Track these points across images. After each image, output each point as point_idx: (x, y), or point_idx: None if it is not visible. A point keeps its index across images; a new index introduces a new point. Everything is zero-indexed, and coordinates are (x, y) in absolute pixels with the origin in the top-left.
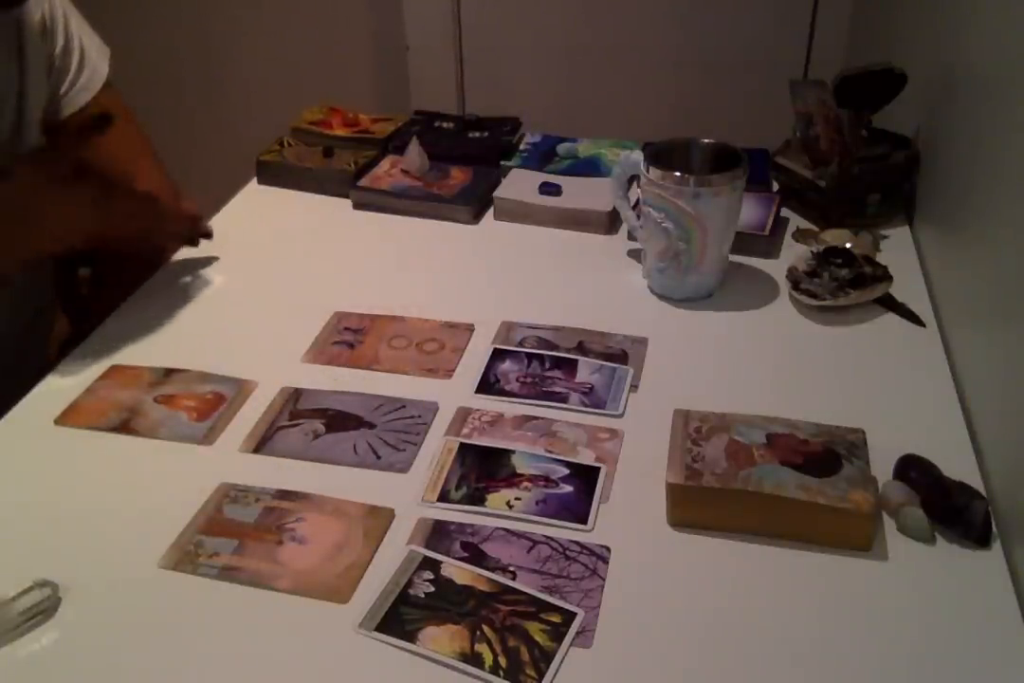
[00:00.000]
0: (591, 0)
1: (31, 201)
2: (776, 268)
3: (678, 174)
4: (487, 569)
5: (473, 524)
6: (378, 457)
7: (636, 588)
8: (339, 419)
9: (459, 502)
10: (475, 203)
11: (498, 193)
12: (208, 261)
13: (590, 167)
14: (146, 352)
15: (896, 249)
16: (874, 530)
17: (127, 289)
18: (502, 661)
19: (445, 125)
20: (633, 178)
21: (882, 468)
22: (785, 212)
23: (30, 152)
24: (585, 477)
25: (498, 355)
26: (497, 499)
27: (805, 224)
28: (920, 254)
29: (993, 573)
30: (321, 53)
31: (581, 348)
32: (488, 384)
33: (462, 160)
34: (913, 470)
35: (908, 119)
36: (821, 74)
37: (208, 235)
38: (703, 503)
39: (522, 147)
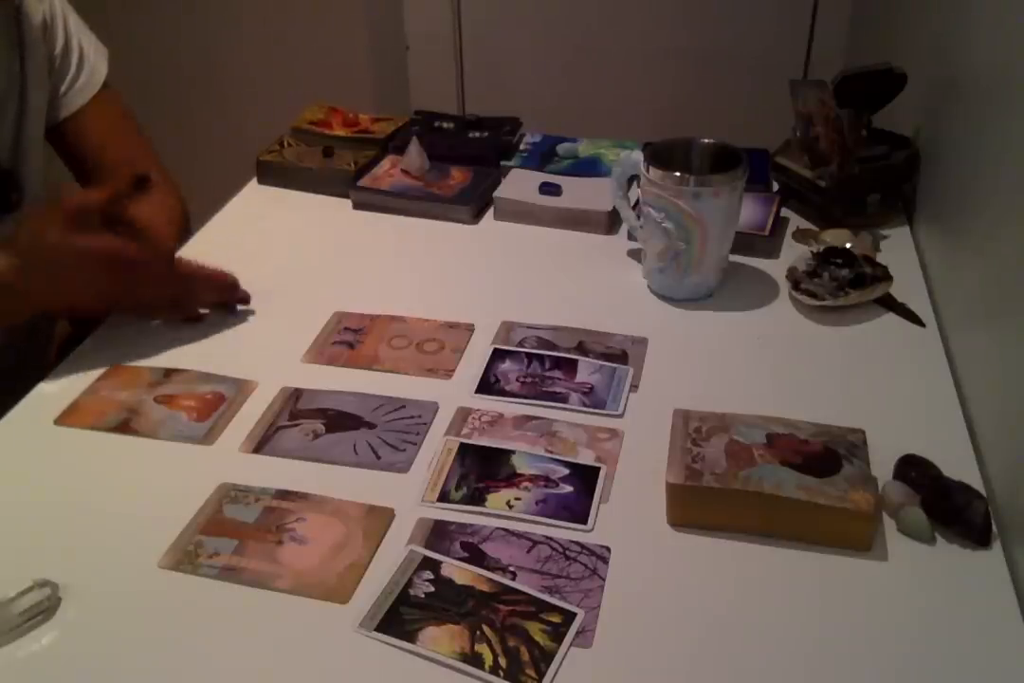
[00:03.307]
0: (591, 0)
1: (48, 257)
2: (776, 268)
3: (678, 174)
4: (487, 569)
5: (473, 524)
6: (378, 457)
7: (636, 588)
8: (339, 419)
9: (459, 502)
10: (475, 203)
11: (498, 193)
12: (208, 262)
13: (590, 167)
14: (146, 352)
15: (896, 249)
16: (874, 530)
17: None
18: (502, 661)
19: (445, 125)
20: (633, 178)
21: (882, 468)
22: (785, 212)
23: (58, 202)
24: (585, 477)
25: (498, 355)
26: (497, 499)
27: (805, 224)
28: (920, 254)
29: (993, 573)
30: (321, 53)
31: (581, 348)
32: (488, 384)
33: (462, 160)
34: (913, 470)
35: (908, 119)
36: (821, 74)
37: (246, 300)
38: (703, 503)
39: (522, 147)
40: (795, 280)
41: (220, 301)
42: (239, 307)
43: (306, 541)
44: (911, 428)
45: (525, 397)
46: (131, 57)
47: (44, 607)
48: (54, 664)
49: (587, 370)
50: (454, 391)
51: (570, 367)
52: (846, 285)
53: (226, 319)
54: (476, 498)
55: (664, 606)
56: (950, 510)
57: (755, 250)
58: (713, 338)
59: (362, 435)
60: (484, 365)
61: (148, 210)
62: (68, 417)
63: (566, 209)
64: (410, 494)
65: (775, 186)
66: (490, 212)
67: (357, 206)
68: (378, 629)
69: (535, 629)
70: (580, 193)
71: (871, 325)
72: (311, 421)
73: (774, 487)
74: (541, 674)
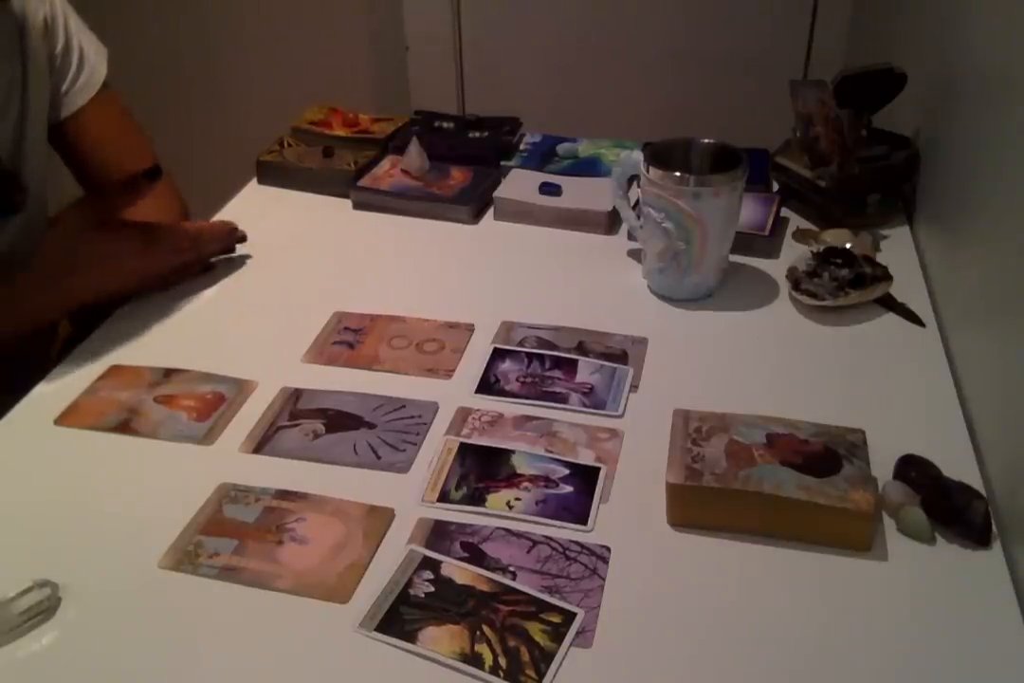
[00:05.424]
0: (591, 1)
1: (78, 248)
2: (776, 268)
3: (678, 174)
4: (487, 569)
5: (473, 524)
6: (378, 457)
7: (636, 588)
8: (339, 419)
9: (459, 502)
10: (475, 203)
11: (498, 193)
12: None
13: (590, 167)
14: (146, 352)
15: (896, 249)
16: (874, 530)
17: None
18: (502, 661)
19: (445, 125)
20: (633, 178)
21: (882, 468)
22: (785, 212)
23: (77, 200)
24: (585, 477)
25: (498, 355)
26: (497, 499)
27: (805, 224)
28: (920, 254)
29: (993, 573)
30: (321, 53)
31: (581, 348)
32: (488, 384)
33: (462, 160)
34: (913, 470)
35: (908, 119)
36: (821, 74)
37: (244, 238)
38: (703, 503)
39: (522, 147)
40: (795, 280)
41: (224, 247)
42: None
43: (306, 541)
44: (911, 428)
45: (525, 397)
46: (131, 57)
47: (44, 607)
48: (54, 664)
49: (587, 370)
50: (454, 391)
51: (570, 367)
52: (846, 285)
53: (226, 319)
54: (476, 498)
55: (664, 606)
56: (950, 510)
57: (755, 250)
58: (713, 338)
59: (362, 435)
60: (484, 365)
61: (149, 212)
62: (68, 417)
63: (566, 209)
64: (410, 494)
65: (775, 186)
66: (490, 212)
67: (357, 206)
68: (378, 629)
69: (535, 629)
70: (580, 193)
71: (871, 325)
72: (311, 421)
73: (774, 487)
74: (541, 674)
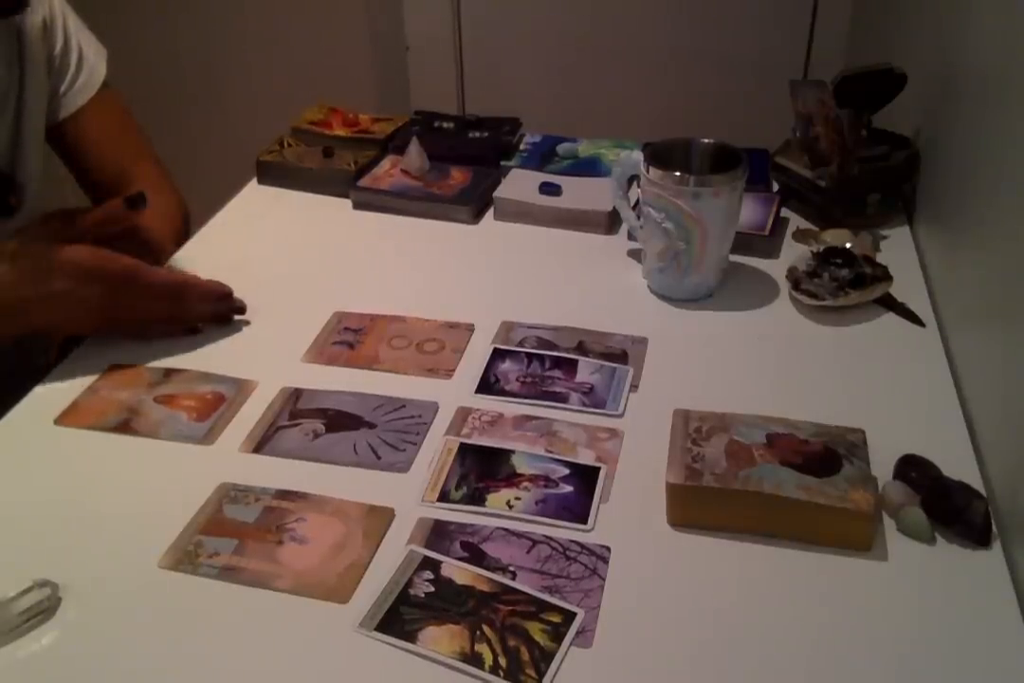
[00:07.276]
0: (591, 1)
1: (41, 265)
2: (776, 268)
3: (678, 174)
4: (487, 569)
5: (473, 524)
6: (378, 457)
7: (636, 588)
8: (339, 419)
9: (459, 502)
10: (475, 203)
11: (498, 193)
12: (208, 262)
13: (590, 167)
14: (146, 352)
15: (896, 249)
16: (874, 530)
17: None
18: (502, 661)
19: (445, 125)
20: (633, 178)
21: (882, 468)
22: (785, 212)
23: (40, 224)
24: (585, 477)
25: (498, 355)
26: (497, 499)
27: (805, 224)
28: (920, 254)
29: (993, 573)
30: (321, 53)
31: (581, 348)
32: (488, 384)
33: (462, 160)
34: (913, 470)
35: (908, 119)
36: (821, 74)
37: (242, 310)
38: (703, 503)
39: (522, 147)
40: (795, 280)
41: (215, 311)
42: (236, 317)
43: (306, 541)
44: (911, 428)
45: (525, 397)
46: (131, 57)
47: (44, 607)
48: (54, 664)
49: (587, 370)
50: (454, 391)
51: (570, 367)
52: (846, 285)
53: None
54: (476, 498)
55: (664, 606)
56: (950, 510)
57: (755, 250)
58: (713, 338)
59: (362, 435)
60: (484, 365)
61: (146, 212)
62: (68, 417)
63: (566, 209)
64: (410, 494)
65: (775, 186)
66: (490, 212)
67: (357, 206)
68: (378, 629)
69: (535, 629)
70: (580, 193)
71: (871, 325)
72: (311, 421)
73: (774, 487)
74: (541, 674)
